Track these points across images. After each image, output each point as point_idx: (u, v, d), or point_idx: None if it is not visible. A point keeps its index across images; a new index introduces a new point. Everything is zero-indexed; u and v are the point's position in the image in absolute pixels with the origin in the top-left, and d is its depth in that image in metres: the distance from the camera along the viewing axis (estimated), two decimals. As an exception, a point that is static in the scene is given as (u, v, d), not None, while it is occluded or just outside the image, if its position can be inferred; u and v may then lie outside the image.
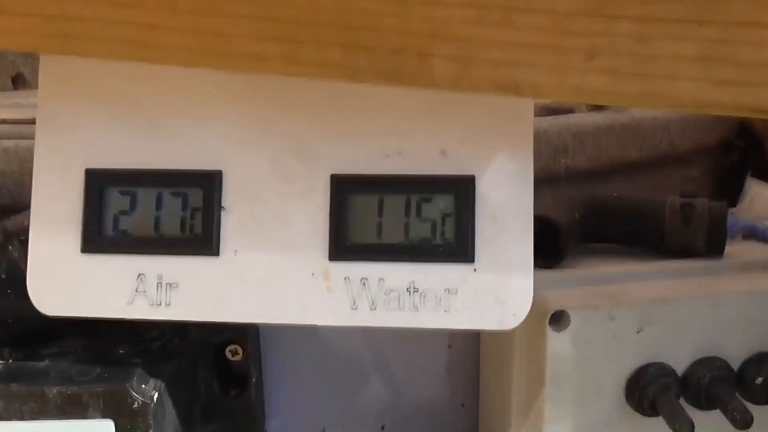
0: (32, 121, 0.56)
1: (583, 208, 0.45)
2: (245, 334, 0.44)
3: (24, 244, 0.38)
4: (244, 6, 0.27)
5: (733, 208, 0.65)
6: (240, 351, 0.44)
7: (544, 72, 0.26)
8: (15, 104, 0.68)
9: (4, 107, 0.65)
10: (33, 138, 0.51)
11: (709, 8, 0.25)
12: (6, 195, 0.45)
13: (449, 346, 0.50)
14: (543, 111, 0.60)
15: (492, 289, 0.33)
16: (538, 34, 0.26)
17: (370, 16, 0.26)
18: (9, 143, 0.45)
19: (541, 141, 0.55)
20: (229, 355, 0.44)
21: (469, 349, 0.50)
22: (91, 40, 0.28)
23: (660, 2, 0.25)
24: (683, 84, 0.26)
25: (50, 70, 0.35)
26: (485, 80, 0.27)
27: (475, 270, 0.33)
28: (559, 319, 0.37)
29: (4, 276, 0.37)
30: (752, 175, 0.68)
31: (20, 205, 0.44)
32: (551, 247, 0.43)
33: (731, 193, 0.67)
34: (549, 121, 0.56)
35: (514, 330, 0.33)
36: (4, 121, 0.57)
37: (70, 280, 0.34)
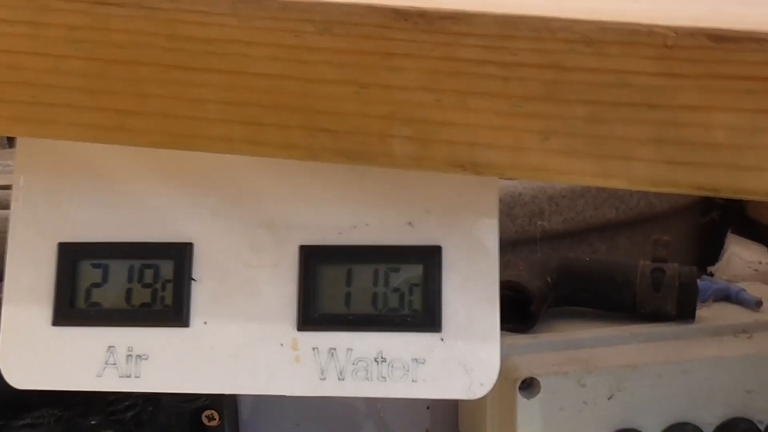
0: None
1: (555, 272, 0.46)
2: (221, 399, 0.44)
3: (-3, 315, 0.38)
4: (210, 91, 0.28)
5: (712, 267, 0.66)
6: (216, 416, 0.44)
7: (501, 152, 0.27)
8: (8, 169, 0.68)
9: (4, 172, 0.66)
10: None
11: (659, 93, 0.26)
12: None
13: (428, 408, 0.50)
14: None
15: (459, 358, 0.33)
16: (494, 116, 0.27)
17: (331, 99, 0.27)
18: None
19: (516, 204, 0.56)
20: (205, 420, 0.44)
21: (448, 411, 0.50)
22: (62, 125, 0.28)
23: (611, 87, 0.26)
24: (637, 164, 0.27)
25: (25, 145, 0.36)
26: (444, 160, 0.28)
27: (442, 339, 0.33)
28: (529, 386, 0.37)
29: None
30: (733, 231, 0.69)
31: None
32: (523, 312, 0.44)
33: (712, 251, 0.67)
34: (524, 185, 0.57)
35: (485, 395, 0.33)
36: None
37: (41, 352, 0.35)
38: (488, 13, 0.27)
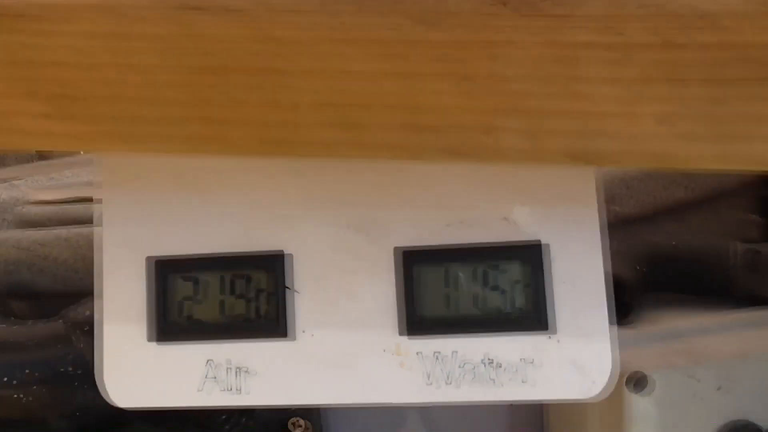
0: (74, 201, 0.57)
1: (643, 258, 0.44)
2: (309, 407, 0.43)
3: (88, 334, 0.38)
4: (305, 94, 0.27)
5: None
6: (302, 424, 0.44)
7: (616, 140, 0.26)
8: (54, 184, 0.69)
9: (44, 188, 0.66)
10: (75, 219, 0.52)
11: (782, 63, 0.24)
12: (60, 282, 0.45)
13: (510, 408, 0.48)
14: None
15: (570, 357, 0.32)
16: (607, 102, 0.25)
17: (434, 95, 0.26)
18: (62, 231, 0.45)
19: (594, 193, 0.54)
20: (291, 428, 0.44)
21: (532, 410, 0.48)
22: (154, 138, 0.28)
23: (729, 62, 0.25)
24: (758, 144, 0.25)
25: (111, 163, 0.35)
26: (556, 151, 0.26)
27: (551, 338, 0.32)
28: (638, 381, 0.35)
29: (70, 369, 0.37)
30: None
31: (72, 292, 0.44)
32: (617, 303, 0.42)
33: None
34: (601, 171, 0.55)
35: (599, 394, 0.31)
36: (46, 202, 0.58)
37: (140, 370, 0.34)
38: (594, -9, 0.25)
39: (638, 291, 0.42)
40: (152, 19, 0.27)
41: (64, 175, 0.71)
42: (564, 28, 0.25)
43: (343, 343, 0.33)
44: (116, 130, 0.28)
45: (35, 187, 0.66)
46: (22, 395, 0.36)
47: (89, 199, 0.56)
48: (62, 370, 0.36)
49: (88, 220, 0.53)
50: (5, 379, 0.36)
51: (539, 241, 0.32)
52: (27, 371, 0.36)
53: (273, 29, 0.26)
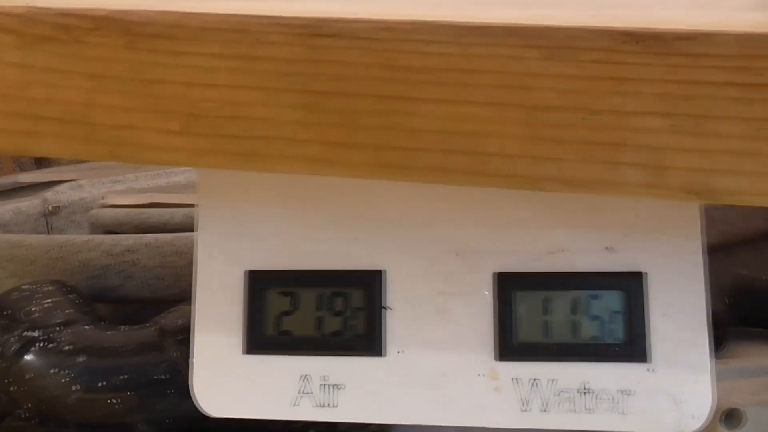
0: (150, 206, 0.58)
1: (732, 291, 0.43)
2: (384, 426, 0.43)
3: (181, 343, 0.38)
4: (428, 121, 0.27)
5: None
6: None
7: (742, 178, 0.26)
8: (126, 189, 0.70)
9: (118, 193, 0.67)
10: (149, 224, 0.53)
11: None
12: (146, 289, 0.46)
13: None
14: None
15: (669, 390, 0.32)
16: (735, 141, 0.25)
17: (557, 127, 0.26)
18: (150, 238, 0.46)
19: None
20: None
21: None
22: (276, 158, 0.28)
23: None
24: None
25: (209, 174, 0.36)
26: (677, 187, 0.26)
27: (650, 370, 0.32)
28: (732, 417, 0.35)
29: (164, 376, 0.37)
30: None
31: (157, 299, 0.45)
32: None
33: None
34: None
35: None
36: (120, 206, 0.59)
37: (234, 381, 0.35)
38: (728, 32, 0.25)
39: (727, 324, 0.42)
40: (282, 44, 0.27)
41: (128, 179, 0.72)
42: (696, 67, 0.25)
43: (437, 364, 0.33)
44: (238, 149, 0.29)
45: (106, 191, 0.67)
46: (116, 400, 0.36)
47: (162, 205, 0.57)
48: (155, 377, 0.37)
49: (161, 226, 0.54)
50: (102, 383, 0.36)
51: (641, 271, 0.32)
52: (123, 377, 0.37)
53: (402, 58, 0.27)
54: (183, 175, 0.68)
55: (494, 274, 0.33)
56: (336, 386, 0.34)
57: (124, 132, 0.29)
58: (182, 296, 0.44)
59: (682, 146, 0.26)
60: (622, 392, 0.32)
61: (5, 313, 0.38)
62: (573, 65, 0.26)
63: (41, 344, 0.37)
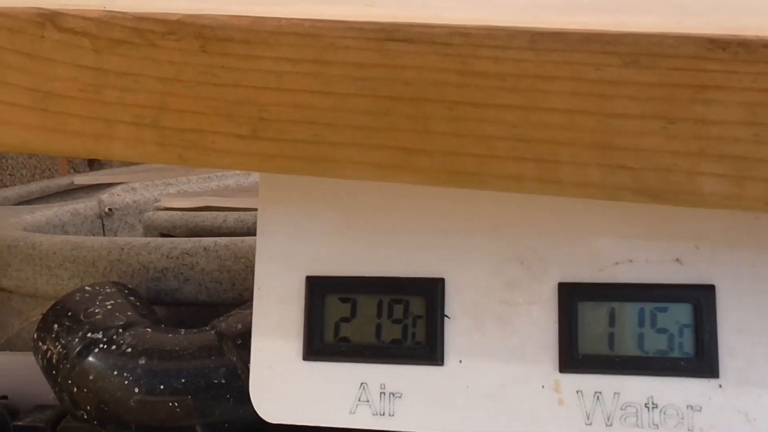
0: (204, 209, 0.59)
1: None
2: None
3: (240, 348, 0.38)
4: (500, 128, 0.27)
5: None
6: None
7: (828, 190, 0.25)
8: (181, 191, 0.71)
9: (171, 195, 0.68)
10: (203, 227, 0.53)
11: None
12: (203, 292, 0.46)
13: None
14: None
15: (740, 406, 0.31)
16: (821, 151, 0.25)
17: (634, 135, 0.26)
18: (208, 242, 0.46)
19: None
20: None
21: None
22: (344, 163, 0.28)
23: None
24: None
25: (270, 179, 0.36)
26: (760, 198, 0.25)
27: (720, 386, 0.31)
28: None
29: (222, 381, 0.37)
30: None
31: (215, 303, 0.45)
32: None
33: None
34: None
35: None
36: (175, 209, 0.59)
37: (292, 387, 0.35)
38: (817, 39, 0.24)
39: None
40: (355, 49, 0.27)
41: (180, 182, 0.73)
42: (782, 75, 0.24)
43: (498, 374, 0.33)
44: (307, 154, 0.28)
45: (159, 194, 0.68)
46: (175, 403, 0.36)
47: (215, 208, 0.58)
48: (214, 381, 0.37)
49: (214, 230, 0.55)
50: (162, 387, 0.37)
51: (713, 284, 0.31)
52: (182, 380, 0.37)
53: (476, 63, 0.26)
54: (233, 178, 0.69)
55: (559, 284, 0.33)
56: (394, 395, 0.34)
57: (194, 136, 0.29)
58: (239, 300, 0.45)
59: (766, 156, 0.25)
60: (690, 408, 0.31)
61: (69, 314, 0.39)
62: (654, 72, 0.25)
63: (103, 346, 0.37)
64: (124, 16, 0.27)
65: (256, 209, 0.43)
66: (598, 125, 0.26)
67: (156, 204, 0.61)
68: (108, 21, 0.27)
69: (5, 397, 0.49)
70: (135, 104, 0.28)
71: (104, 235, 0.65)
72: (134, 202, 0.67)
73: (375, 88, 0.27)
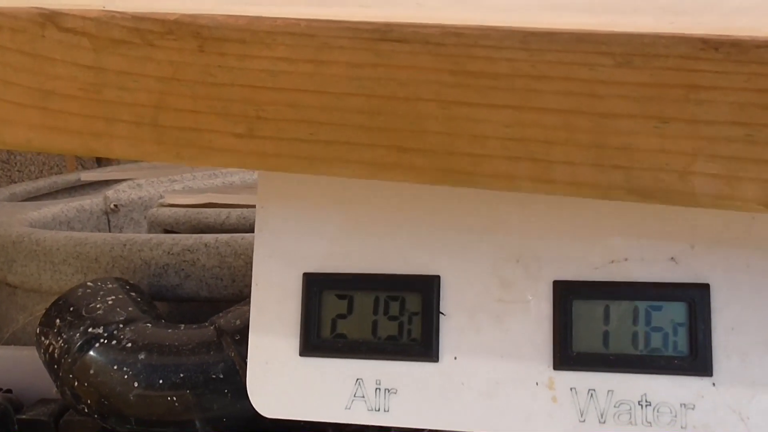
0: (207, 206, 0.59)
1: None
2: None
3: (238, 343, 0.39)
4: (493, 127, 0.27)
5: None
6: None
7: (819, 190, 0.25)
8: (186, 188, 0.71)
9: (176, 192, 0.68)
10: (211, 224, 0.53)
11: None
12: (204, 288, 0.46)
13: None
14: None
15: (734, 405, 0.31)
16: (813, 151, 0.25)
17: (627, 135, 0.26)
18: (209, 238, 0.47)
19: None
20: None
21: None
22: (339, 162, 0.28)
23: None
24: None
25: (268, 177, 0.36)
26: (752, 199, 0.26)
27: (713, 384, 0.31)
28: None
29: (221, 376, 0.38)
30: None
31: (215, 299, 0.46)
32: None
33: None
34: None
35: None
36: (181, 206, 0.60)
37: (289, 382, 0.35)
38: (808, 40, 0.24)
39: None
40: (350, 49, 0.27)
41: (185, 179, 0.73)
42: (774, 75, 0.24)
43: (493, 371, 0.33)
44: (303, 153, 0.29)
45: (164, 190, 0.68)
46: (174, 398, 0.37)
47: (218, 205, 0.58)
48: (213, 376, 0.37)
49: (217, 226, 0.55)
50: (161, 381, 0.37)
51: (707, 283, 0.32)
52: (181, 375, 0.37)
53: (470, 63, 0.26)
54: (238, 175, 0.69)
55: (554, 281, 0.33)
56: (389, 391, 0.34)
57: (191, 134, 0.29)
58: (239, 296, 0.45)
59: (758, 156, 0.25)
60: (684, 406, 0.31)
61: (71, 309, 0.39)
62: (646, 72, 0.25)
63: (104, 341, 0.37)
64: (123, 16, 0.27)
65: (257, 206, 0.43)
66: (591, 125, 0.26)
67: (160, 200, 0.61)
68: (107, 21, 0.28)
69: (9, 391, 0.49)
70: (134, 103, 0.29)
71: (110, 231, 0.66)
72: (139, 198, 0.68)
73: (370, 87, 0.28)
